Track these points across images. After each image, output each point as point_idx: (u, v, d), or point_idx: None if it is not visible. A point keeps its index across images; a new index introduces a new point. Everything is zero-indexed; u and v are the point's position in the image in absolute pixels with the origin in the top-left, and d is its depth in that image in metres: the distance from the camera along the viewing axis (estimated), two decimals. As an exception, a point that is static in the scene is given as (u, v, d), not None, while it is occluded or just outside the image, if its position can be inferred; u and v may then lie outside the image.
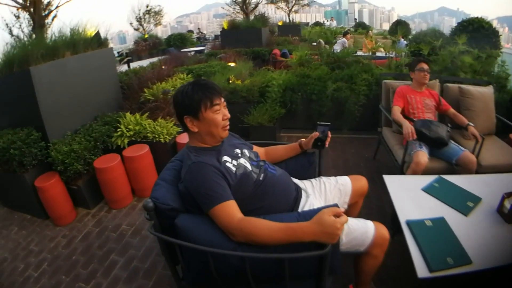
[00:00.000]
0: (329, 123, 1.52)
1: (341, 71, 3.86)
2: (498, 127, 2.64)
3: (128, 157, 2.55)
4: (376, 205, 2.41)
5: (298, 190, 1.46)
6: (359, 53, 4.72)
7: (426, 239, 1.33)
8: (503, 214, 1.44)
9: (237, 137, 1.53)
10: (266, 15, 10.42)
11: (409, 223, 1.44)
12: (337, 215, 1.02)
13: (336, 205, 1.11)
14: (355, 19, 22.77)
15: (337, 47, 5.98)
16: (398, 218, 1.50)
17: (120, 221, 2.45)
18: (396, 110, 2.48)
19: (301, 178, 1.64)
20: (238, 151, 1.37)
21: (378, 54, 4.88)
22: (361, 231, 1.29)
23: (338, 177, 1.64)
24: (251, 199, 1.24)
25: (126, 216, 2.50)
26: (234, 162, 1.27)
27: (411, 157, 2.20)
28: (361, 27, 14.96)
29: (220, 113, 1.25)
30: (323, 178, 1.63)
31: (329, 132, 1.54)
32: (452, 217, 1.48)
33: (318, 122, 1.52)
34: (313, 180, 1.64)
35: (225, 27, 9.21)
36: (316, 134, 1.54)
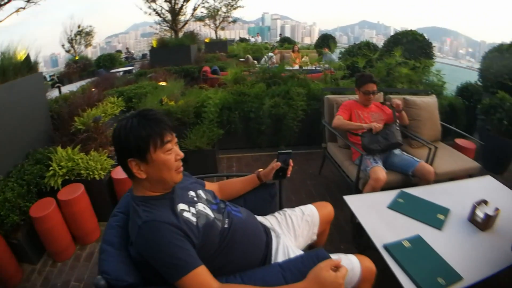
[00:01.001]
0: (290, 151, 1.50)
1: (278, 87, 4.04)
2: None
3: (64, 200, 2.47)
4: (333, 223, 2.44)
5: (267, 232, 1.37)
6: (290, 67, 5.04)
7: (410, 262, 1.36)
8: (477, 222, 1.57)
9: (187, 174, 1.38)
10: (195, 32, 10.98)
11: (387, 247, 1.46)
12: (335, 268, 1.00)
13: (323, 253, 1.10)
14: (280, 34, 24.66)
15: (265, 62, 6.28)
16: (360, 238, 1.52)
17: (68, 276, 2.41)
18: (340, 118, 2.58)
19: (263, 213, 1.56)
20: (192, 193, 1.24)
21: (309, 67, 5.25)
22: (347, 268, 1.25)
23: (303, 207, 1.61)
24: (218, 254, 1.12)
25: (73, 270, 2.47)
26: (192, 209, 1.14)
27: (367, 173, 2.30)
28: (287, 42, 16.05)
29: (173, 153, 1.11)
30: (288, 211, 1.58)
31: (291, 161, 1.51)
32: (427, 233, 1.56)
33: (279, 151, 1.49)
34: (276, 214, 1.57)
35: (154, 45, 9.47)
36: (277, 164, 1.48)
